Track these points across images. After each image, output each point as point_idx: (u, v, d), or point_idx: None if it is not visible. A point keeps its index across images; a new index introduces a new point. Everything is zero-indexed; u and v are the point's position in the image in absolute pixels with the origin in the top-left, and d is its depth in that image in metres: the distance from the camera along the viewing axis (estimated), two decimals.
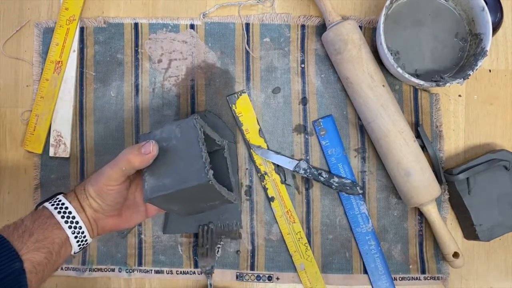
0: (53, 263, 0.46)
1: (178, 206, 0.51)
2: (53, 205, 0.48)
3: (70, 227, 0.47)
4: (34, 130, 0.61)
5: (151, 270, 0.61)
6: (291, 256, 0.60)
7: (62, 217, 0.47)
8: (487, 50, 0.54)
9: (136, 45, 0.62)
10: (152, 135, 0.49)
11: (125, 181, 0.48)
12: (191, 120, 0.48)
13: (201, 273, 0.61)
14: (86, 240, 0.49)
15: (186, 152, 0.47)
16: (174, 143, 0.47)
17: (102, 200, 0.48)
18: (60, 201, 0.48)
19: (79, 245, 0.48)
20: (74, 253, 0.49)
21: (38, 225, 0.46)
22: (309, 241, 0.61)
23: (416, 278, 0.60)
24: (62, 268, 0.62)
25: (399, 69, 0.54)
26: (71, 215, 0.48)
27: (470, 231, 0.59)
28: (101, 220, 0.50)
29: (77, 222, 0.48)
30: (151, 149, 0.46)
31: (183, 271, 0.61)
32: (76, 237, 0.48)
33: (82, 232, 0.48)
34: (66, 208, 0.48)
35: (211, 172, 0.45)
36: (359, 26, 0.60)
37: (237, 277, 0.61)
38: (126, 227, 0.53)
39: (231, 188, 0.52)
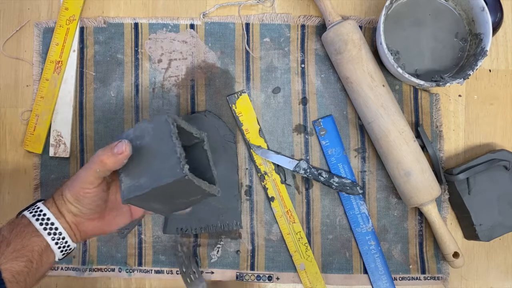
0: (35, 271, 0.45)
1: (159, 205, 0.49)
2: (31, 212, 0.47)
3: (49, 233, 0.46)
4: (34, 130, 0.61)
5: (151, 270, 0.61)
6: (291, 256, 0.60)
7: (41, 224, 0.46)
8: (487, 50, 0.54)
9: (136, 45, 0.62)
10: (125, 135, 0.47)
11: (101, 183, 0.47)
12: (163, 116, 0.46)
13: (201, 273, 0.61)
14: (68, 246, 0.48)
15: (160, 148, 0.45)
16: (147, 141, 0.46)
17: (80, 204, 0.47)
18: (38, 208, 0.47)
19: (61, 252, 0.48)
20: (59, 259, 0.48)
21: (16, 234, 0.45)
22: (309, 241, 0.61)
23: (416, 278, 0.60)
24: (62, 268, 0.62)
25: (399, 69, 0.54)
26: (49, 222, 0.47)
27: (470, 231, 0.59)
28: (82, 224, 0.49)
29: (56, 228, 0.47)
30: (123, 148, 0.45)
31: None
32: (57, 243, 0.47)
33: (63, 238, 0.47)
34: (44, 214, 0.47)
35: (186, 166, 0.44)
36: (359, 26, 0.60)
37: (237, 277, 0.61)
38: (110, 230, 0.52)
39: (213, 181, 0.50)
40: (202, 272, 0.61)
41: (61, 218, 0.47)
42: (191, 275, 0.59)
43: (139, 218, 0.60)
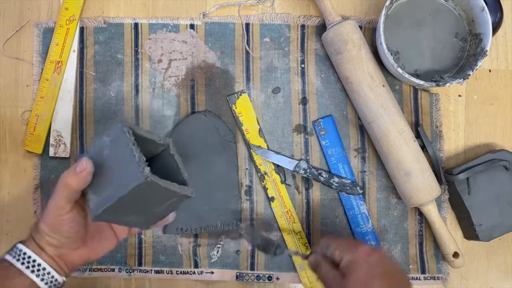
0: None
1: (133, 216, 0.48)
2: (11, 254, 0.46)
3: (33, 271, 0.45)
4: (34, 130, 0.61)
5: (151, 270, 0.61)
6: (291, 256, 0.60)
7: (22, 263, 0.45)
8: (487, 50, 0.54)
9: (136, 45, 0.62)
10: (85, 153, 0.47)
11: (74, 207, 0.46)
12: (118, 125, 0.45)
13: (200, 272, 0.61)
14: (56, 280, 0.47)
15: (120, 158, 0.44)
16: (107, 154, 0.45)
17: (58, 233, 0.46)
18: (17, 248, 0.46)
19: (49, 287, 0.46)
20: None
21: None
22: (309, 241, 0.61)
23: (416, 278, 0.60)
24: None
25: (399, 69, 0.54)
26: (31, 259, 0.45)
27: (470, 231, 0.59)
28: (66, 256, 0.47)
29: (39, 265, 0.46)
30: (84, 166, 0.43)
31: (183, 271, 0.61)
32: (43, 279, 0.46)
33: (48, 273, 0.46)
34: (25, 253, 0.46)
35: (147, 169, 0.42)
36: (359, 26, 0.60)
37: (237, 277, 0.61)
38: (97, 257, 0.51)
39: (184, 182, 0.48)
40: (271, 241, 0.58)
41: (42, 253, 0.46)
42: (269, 245, 0.57)
43: (126, 237, 0.58)
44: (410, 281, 0.60)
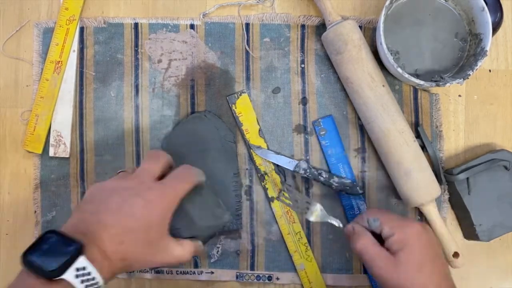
0: None
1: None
2: (78, 276, 0.35)
3: (82, 281, 0.36)
4: (34, 130, 0.61)
5: (151, 270, 0.61)
6: (291, 256, 0.60)
7: (77, 276, 0.36)
8: (487, 50, 0.54)
9: (136, 45, 0.62)
10: None
11: None
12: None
13: (200, 272, 0.61)
14: (97, 284, 0.38)
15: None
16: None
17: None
18: (84, 269, 0.36)
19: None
20: None
21: None
22: (309, 241, 0.61)
23: None
24: None
25: (399, 69, 0.54)
26: (86, 272, 0.36)
27: (470, 231, 0.59)
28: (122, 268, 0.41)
29: (93, 278, 0.37)
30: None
31: (183, 271, 0.61)
32: (85, 285, 0.36)
33: (93, 278, 0.37)
34: (93, 279, 0.36)
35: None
36: (359, 26, 0.60)
37: (237, 277, 0.61)
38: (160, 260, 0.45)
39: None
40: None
41: (104, 263, 0.38)
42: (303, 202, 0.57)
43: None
44: None
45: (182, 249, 0.44)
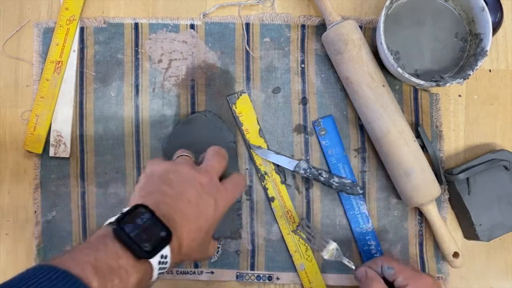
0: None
1: None
2: (160, 263, 0.37)
3: (159, 262, 0.37)
4: (34, 130, 0.61)
5: None
6: (291, 256, 0.60)
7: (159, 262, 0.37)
8: (487, 50, 0.54)
9: (136, 45, 0.62)
10: None
11: None
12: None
13: (200, 272, 0.61)
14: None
15: None
16: None
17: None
18: (166, 257, 0.37)
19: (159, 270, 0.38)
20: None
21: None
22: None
23: None
24: None
25: (399, 69, 0.54)
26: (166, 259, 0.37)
27: (470, 231, 0.59)
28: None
29: (167, 261, 0.38)
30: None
31: (183, 271, 0.61)
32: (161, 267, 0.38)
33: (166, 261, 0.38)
34: (165, 268, 0.38)
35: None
36: (359, 26, 0.60)
37: (237, 277, 0.61)
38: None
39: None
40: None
41: (181, 246, 0.40)
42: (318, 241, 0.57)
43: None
44: None
45: (212, 248, 0.50)
